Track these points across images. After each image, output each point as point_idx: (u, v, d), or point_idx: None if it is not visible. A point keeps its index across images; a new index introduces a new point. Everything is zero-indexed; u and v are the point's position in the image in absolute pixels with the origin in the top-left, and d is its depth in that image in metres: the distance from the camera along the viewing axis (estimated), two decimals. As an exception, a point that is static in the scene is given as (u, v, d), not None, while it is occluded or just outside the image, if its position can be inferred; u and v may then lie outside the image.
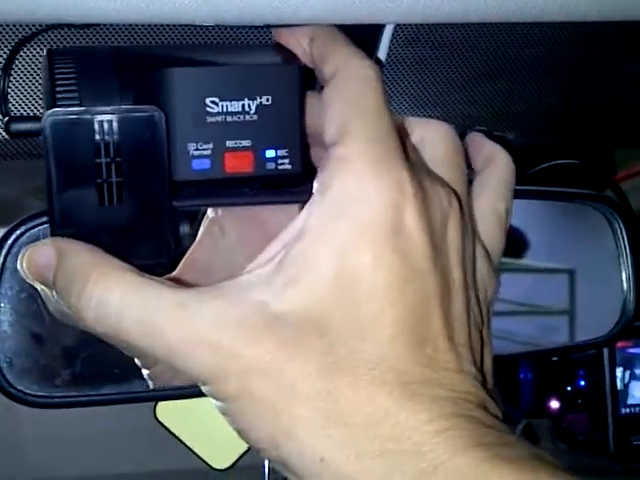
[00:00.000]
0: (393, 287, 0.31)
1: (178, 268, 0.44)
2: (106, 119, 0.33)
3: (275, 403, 0.31)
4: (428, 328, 0.32)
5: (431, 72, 0.56)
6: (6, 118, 0.38)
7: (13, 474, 1.11)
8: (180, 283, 0.39)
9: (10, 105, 0.48)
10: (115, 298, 0.32)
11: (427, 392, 0.31)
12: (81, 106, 0.34)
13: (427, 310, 0.32)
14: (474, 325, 0.34)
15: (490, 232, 0.38)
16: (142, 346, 0.32)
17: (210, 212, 0.45)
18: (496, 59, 0.60)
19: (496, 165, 0.39)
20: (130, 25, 0.46)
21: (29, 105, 0.56)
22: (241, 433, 0.32)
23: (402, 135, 0.36)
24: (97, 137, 0.33)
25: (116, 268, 0.33)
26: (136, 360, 0.40)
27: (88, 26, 0.38)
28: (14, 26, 0.48)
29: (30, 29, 0.44)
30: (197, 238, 0.45)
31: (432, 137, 0.37)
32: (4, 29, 0.50)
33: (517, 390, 1.13)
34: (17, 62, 0.52)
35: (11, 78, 0.49)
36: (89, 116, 0.33)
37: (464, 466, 0.29)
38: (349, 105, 0.34)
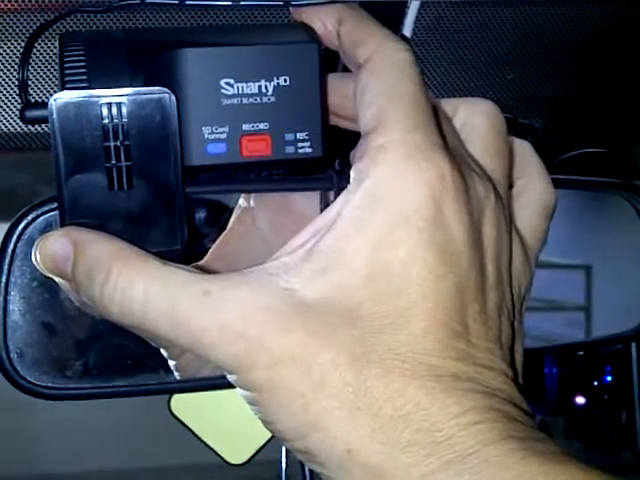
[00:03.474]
0: (427, 281, 0.31)
1: (206, 257, 0.44)
2: (114, 101, 0.33)
3: (303, 394, 0.31)
4: (461, 323, 0.32)
5: (455, 56, 0.55)
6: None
7: (27, 467, 1.11)
8: (208, 271, 0.39)
9: (35, 96, 0.47)
10: (139, 290, 0.32)
11: (459, 386, 0.30)
12: (90, 89, 0.34)
13: (460, 305, 0.32)
14: (507, 320, 0.34)
15: (532, 224, 0.38)
16: (168, 337, 0.32)
17: (242, 201, 0.45)
18: (521, 44, 0.59)
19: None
20: (143, 10, 0.46)
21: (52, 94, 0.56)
22: (267, 424, 0.32)
23: (442, 119, 0.35)
24: (105, 120, 0.33)
25: (138, 257, 0.33)
26: (162, 351, 0.40)
27: (104, 11, 0.37)
28: (32, 14, 0.47)
29: (48, 17, 0.43)
30: (228, 227, 0.45)
31: (476, 120, 0.36)
32: (22, 17, 0.49)
33: (542, 385, 1.12)
34: (40, 51, 0.52)
35: (36, 67, 0.48)
36: (96, 98, 0.33)
37: (494, 457, 0.29)
38: (385, 92, 0.33)
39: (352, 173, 0.33)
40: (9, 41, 0.49)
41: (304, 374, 0.30)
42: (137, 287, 0.32)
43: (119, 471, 1.12)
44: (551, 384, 1.12)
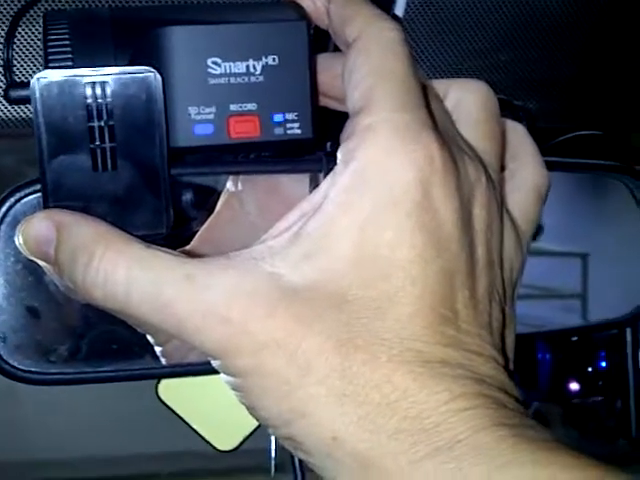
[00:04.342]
0: (415, 265, 0.31)
1: (193, 241, 0.44)
2: (98, 80, 0.33)
3: (288, 380, 0.30)
4: (450, 308, 0.31)
5: (448, 37, 0.55)
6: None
7: (15, 455, 1.11)
8: (194, 255, 0.39)
9: (22, 76, 0.47)
10: (122, 273, 0.32)
11: (448, 372, 0.30)
12: (74, 68, 0.33)
13: (449, 290, 0.31)
14: (497, 305, 0.34)
15: (525, 207, 0.37)
16: (152, 322, 0.32)
17: (230, 184, 0.44)
18: (516, 24, 0.59)
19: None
20: None
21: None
22: (252, 410, 0.32)
23: (432, 99, 0.35)
24: (89, 100, 0.33)
25: (121, 240, 0.33)
26: (149, 337, 0.40)
27: None
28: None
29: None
30: (215, 211, 0.45)
31: (468, 100, 0.36)
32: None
33: (535, 371, 1.12)
34: (27, 31, 0.51)
35: (22, 48, 0.48)
36: (80, 78, 0.32)
37: (483, 443, 0.29)
38: (374, 71, 0.33)
39: (339, 154, 0.33)
40: None
41: (289, 360, 0.30)
42: (120, 270, 0.32)
43: (110, 458, 1.12)
44: (544, 370, 1.12)
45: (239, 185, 0.45)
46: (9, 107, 0.57)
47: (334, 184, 0.32)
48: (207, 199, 0.43)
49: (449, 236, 0.31)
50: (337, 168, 0.32)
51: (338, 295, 0.31)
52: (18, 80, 0.37)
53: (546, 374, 1.13)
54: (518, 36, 0.59)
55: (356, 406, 0.30)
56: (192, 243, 0.44)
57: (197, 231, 0.44)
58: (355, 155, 0.32)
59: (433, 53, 0.54)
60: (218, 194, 0.45)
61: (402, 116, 0.32)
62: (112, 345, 0.41)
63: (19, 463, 1.15)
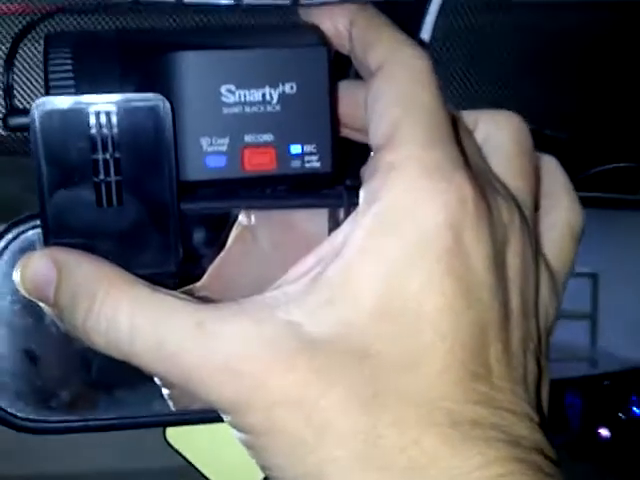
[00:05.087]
0: (444, 317, 0.29)
1: (203, 279, 0.42)
2: (103, 109, 0.31)
3: (306, 440, 0.28)
4: (482, 364, 0.29)
5: (477, 62, 0.53)
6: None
7: (19, 467, 1.09)
8: (205, 294, 0.38)
9: (23, 101, 0.46)
10: (125, 319, 0.30)
11: (480, 434, 0.28)
12: (76, 95, 0.32)
13: (482, 343, 0.29)
14: (532, 357, 0.32)
15: (559, 248, 0.36)
16: (157, 372, 0.31)
17: (243, 217, 0.42)
18: (547, 51, 0.57)
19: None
20: (137, 10, 0.44)
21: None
22: (263, 468, 0.30)
23: (462, 133, 0.33)
24: (93, 130, 0.31)
25: (126, 282, 0.31)
26: (156, 379, 0.38)
27: (94, 11, 0.36)
28: (19, 15, 0.46)
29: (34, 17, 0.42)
30: (226, 246, 0.42)
31: (499, 133, 0.34)
32: (6, 19, 0.48)
33: (564, 415, 1.08)
34: (28, 54, 0.50)
35: (24, 71, 0.47)
36: (84, 106, 0.31)
37: None
38: (399, 102, 0.31)
39: (361, 193, 0.31)
40: None
41: (307, 418, 0.28)
42: (123, 316, 0.30)
43: (116, 472, 1.10)
44: (574, 415, 1.09)
45: (252, 219, 0.43)
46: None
47: (356, 226, 0.30)
48: (218, 233, 0.41)
49: (481, 285, 0.30)
50: (359, 209, 0.31)
51: (361, 349, 0.29)
52: (19, 106, 0.35)
53: (576, 418, 1.10)
54: (549, 63, 0.58)
55: (380, 472, 0.28)
56: (202, 281, 0.42)
57: (207, 267, 0.42)
58: (379, 195, 0.30)
59: (460, 79, 0.53)
60: (230, 228, 0.43)
61: (431, 153, 0.30)
62: (118, 390, 0.39)
63: (24, 476, 1.13)
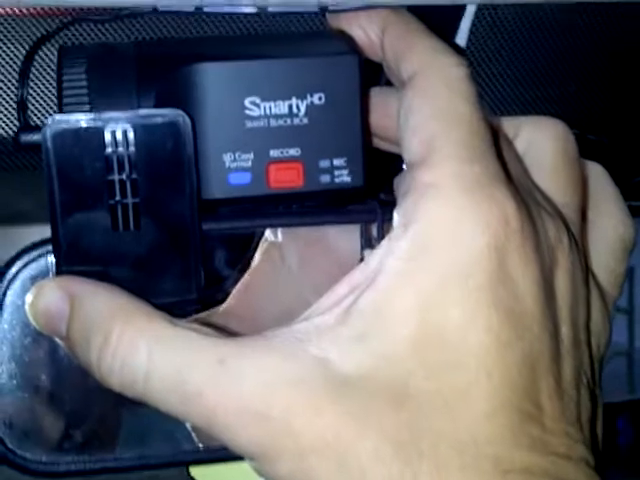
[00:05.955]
0: (490, 351, 0.27)
1: (228, 301, 0.41)
2: (119, 127, 0.30)
3: None
4: (533, 402, 0.27)
5: (515, 66, 0.51)
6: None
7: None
8: (229, 319, 0.38)
9: (39, 115, 0.45)
10: (142, 357, 0.29)
11: None
12: (91, 111, 0.31)
13: (532, 379, 0.28)
14: (586, 391, 0.30)
15: (609, 265, 0.34)
16: (177, 413, 0.29)
17: (269, 234, 0.41)
18: (588, 52, 0.55)
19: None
20: (155, 19, 0.42)
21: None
22: None
23: (503, 146, 0.31)
24: (109, 149, 0.30)
25: (143, 315, 0.30)
26: None
27: (112, 20, 0.34)
28: (33, 25, 0.44)
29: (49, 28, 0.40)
30: (252, 265, 0.41)
31: (542, 143, 0.33)
32: (21, 29, 0.46)
33: (615, 443, 1.06)
34: (43, 65, 0.49)
35: (39, 84, 0.46)
36: (99, 124, 0.30)
37: None
38: (436, 115, 0.30)
39: (396, 215, 0.29)
40: (8, 47, 0.46)
41: (339, 466, 0.27)
42: (140, 354, 0.29)
43: None
44: (626, 442, 1.06)
45: (279, 235, 0.42)
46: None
47: (391, 251, 0.28)
48: (242, 254, 0.40)
49: (530, 313, 0.28)
50: (394, 232, 0.29)
51: (397, 387, 0.27)
52: (32, 123, 0.34)
53: (628, 446, 1.07)
54: (590, 64, 0.56)
55: None
56: (225, 303, 0.41)
57: (230, 290, 0.40)
58: (416, 217, 0.28)
59: (498, 84, 0.51)
60: (255, 246, 0.41)
61: (470, 169, 0.28)
62: (136, 428, 0.38)
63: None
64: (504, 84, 0.51)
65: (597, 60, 0.56)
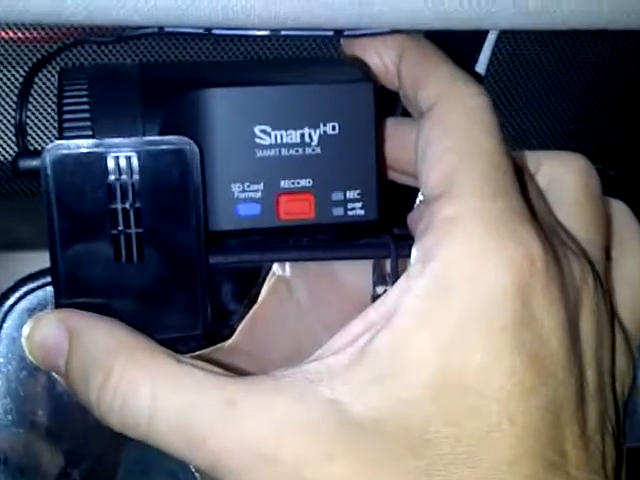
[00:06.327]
0: (513, 396, 0.26)
1: (235, 336, 0.40)
2: (123, 154, 0.30)
3: None
4: (558, 450, 0.26)
5: (534, 97, 0.50)
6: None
7: None
8: (235, 355, 0.37)
9: (39, 140, 0.44)
10: (145, 397, 0.27)
11: None
12: (93, 137, 0.30)
13: (557, 426, 0.26)
14: (610, 439, 0.29)
15: (634, 307, 0.33)
16: (181, 455, 0.27)
17: (277, 268, 0.41)
18: (610, 86, 0.55)
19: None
20: (161, 42, 0.42)
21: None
22: None
23: (525, 180, 0.30)
24: (111, 177, 0.30)
25: (146, 352, 0.29)
26: None
27: (116, 42, 0.33)
28: (35, 48, 0.44)
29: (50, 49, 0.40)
30: (260, 299, 0.41)
31: (565, 178, 0.32)
32: (22, 51, 0.46)
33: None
34: (43, 88, 0.48)
35: (39, 107, 0.45)
36: (101, 150, 0.29)
37: None
38: (456, 147, 0.29)
39: (414, 251, 0.28)
40: (9, 71, 0.45)
41: None
42: (143, 393, 0.27)
43: None
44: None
45: (287, 269, 0.41)
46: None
47: (408, 290, 0.27)
48: (249, 287, 0.39)
49: (555, 357, 0.27)
50: (412, 269, 0.28)
51: (415, 432, 0.26)
52: (32, 148, 0.33)
53: None
54: (612, 98, 0.55)
55: None
56: (232, 339, 0.40)
57: (237, 325, 0.39)
58: (435, 254, 0.27)
59: (517, 115, 0.50)
60: (263, 280, 0.40)
61: (494, 205, 0.27)
62: (136, 467, 0.36)
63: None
64: (522, 115, 0.51)
65: (621, 92, 0.56)
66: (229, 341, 0.39)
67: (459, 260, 0.27)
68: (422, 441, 0.26)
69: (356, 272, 0.37)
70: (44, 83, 0.45)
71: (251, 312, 0.41)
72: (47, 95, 0.46)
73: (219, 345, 0.38)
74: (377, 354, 0.27)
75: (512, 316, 0.26)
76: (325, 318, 0.33)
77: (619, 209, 0.34)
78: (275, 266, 0.41)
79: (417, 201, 0.38)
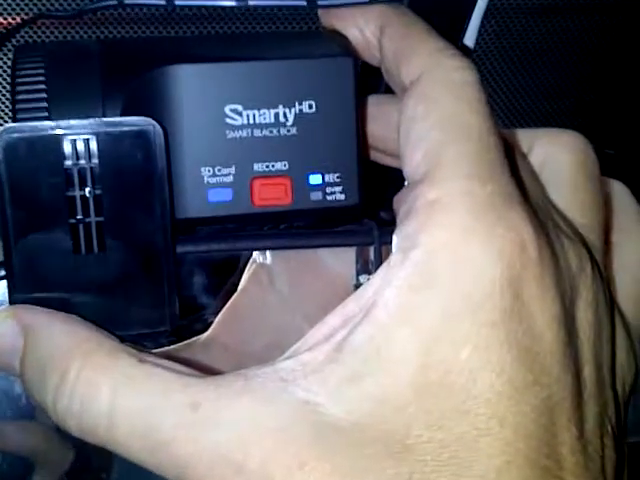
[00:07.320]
0: (503, 397, 0.25)
1: (211, 328, 0.39)
2: (81, 137, 0.29)
3: None
4: (552, 455, 0.25)
5: (527, 72, 0.50)
6: None
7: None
8: (212, 349, 0.36)
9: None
10: (104, 399, 0.26)
11: None
12: (49, 119, 0.29)
13: (551, 430, 0.25)
14: (610, 441, 0.28)
15: (634, 296, 0.31)
16: (145, 463, 0.26)
17: (257, 255, 0.40)
18: (605, 59, 0.54)
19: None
20: (124, 18, 0.40)
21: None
22: None
23: (518, 161, 0.29)
24: (68, 161, 0.29)
25: (106, 351, 0.27)
26: None
27: (74, 17, 0.32)
28: None
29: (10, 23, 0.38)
30: (239, 288, 0.40)
31: (560, 158, 0.31)
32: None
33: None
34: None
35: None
36: (57, 133, 0.28)
37: None
38: (441, 125, 0.27)
39: (395, 238, 0.27)
40: None
41: None
42: (102, 395, 0.26)
43: None
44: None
45: (267, 257, 0.40)
46: None
47: (389, 281, 0.26)
48: (225, 278, 0.37)
49: (549, 353, 0.25)
50: (393, 258, 0.26)
51: (396, 436, 0.24)
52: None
53: None
54: (606, 72, 0.54)
55: None
56: (209, 331, 0.39)
57: (211, 319, 0.39)
58: (418, 241, 0.26)
59: (508, 91, 0.49)
60: (242, 268, 0.40)
61: (482, 187, 0.26)
62: (103, 474, 0.35)
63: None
64: (513, 91, 0.50)
65: (616, 66, 0.55)
66: (205, 334, 0.38)
67: (443, 248, 0.25)
68: (403, 446, 0.24)
69: (340, 259, 0.36)
70: (5, 63, 0.44)
71: (230, 302, 0.40)
72: (1, 75, 0.45)
73: (194, 339, 0.38)
74: (354, 351, 0.25)
75: (502, 309, 0.25)
76: (308, 308, 0.32)
77: (618, 190, 0.33)
78: (255, 254, 0.40)
79: (405, 182, 0.37)
